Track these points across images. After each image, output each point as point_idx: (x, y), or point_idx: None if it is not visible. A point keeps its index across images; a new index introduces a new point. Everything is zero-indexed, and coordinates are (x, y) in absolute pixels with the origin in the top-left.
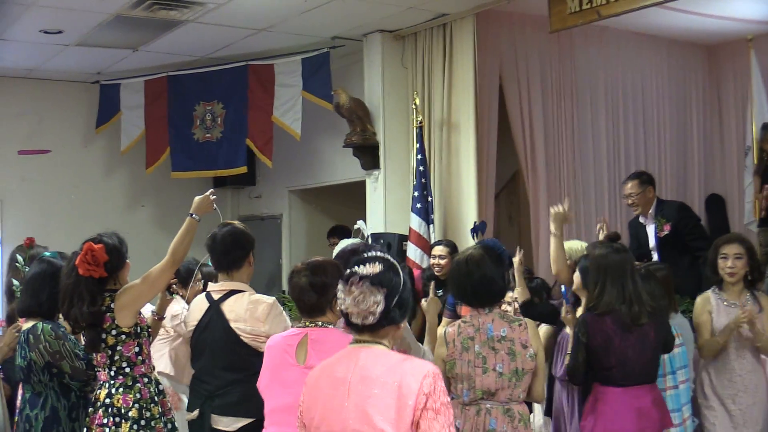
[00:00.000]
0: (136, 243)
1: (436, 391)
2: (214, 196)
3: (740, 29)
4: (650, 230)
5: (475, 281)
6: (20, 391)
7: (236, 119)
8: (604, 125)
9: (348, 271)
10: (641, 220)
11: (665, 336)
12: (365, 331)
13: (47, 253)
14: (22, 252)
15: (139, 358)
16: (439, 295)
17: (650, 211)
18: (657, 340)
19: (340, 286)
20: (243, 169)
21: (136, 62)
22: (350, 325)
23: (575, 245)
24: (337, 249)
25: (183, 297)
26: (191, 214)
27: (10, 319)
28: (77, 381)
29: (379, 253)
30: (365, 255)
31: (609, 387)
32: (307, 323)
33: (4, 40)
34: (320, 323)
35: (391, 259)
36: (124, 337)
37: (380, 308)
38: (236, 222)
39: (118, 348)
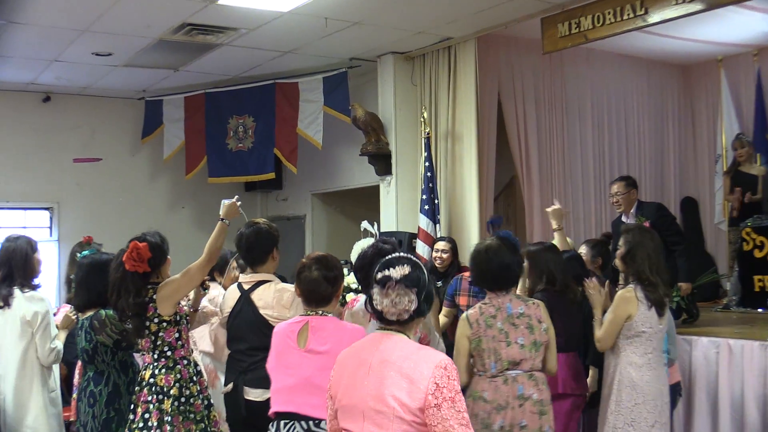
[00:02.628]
0: (177, 241)
1: (450, 380)
2: (240, 202)
3: (711, 51)
4: None
5: (494, 267)
6: (77, 370)
7: (265, 131)
8: (590, 136)
9: (380, 275)
10: (623, 219)
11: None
12: (395, 324)
13: (86, 252)
14: (80, 248)
15: (179, 342)
16: (439, 286)
17: (632, 211)
18: (585, 315)
19: (376, 290)
20: (271, 175)
21: (177, 81)
22: (382, 320)
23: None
24: (355, 251)
25: (220, 283)
26: (222, 219)
27: (69, 303)
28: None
29: (402, 254)
30: (390, 257)
31: (560, 353)
32: (309, 312)
33: (60, 61)
34: (321, 312)
35: (413, 258)
36: (165, 324)
37: (414, 306)
38: (261, 220)
39: (161, 334)
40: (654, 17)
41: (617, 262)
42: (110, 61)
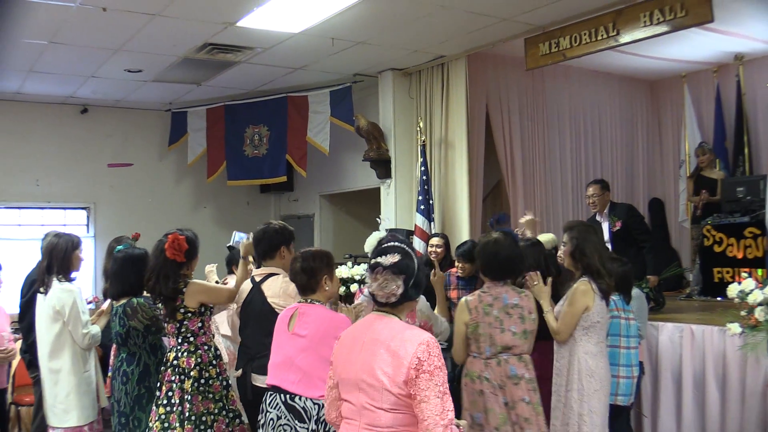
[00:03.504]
0: (199, 237)
1: (431, 356)
2: (250, 240)
3: (676, 68)
4: (605, 226)
5: (502, 259)
6: (113, 352)
7: (278, 139)
8: (568, 143)
9: (373, 261)
10: (597, 218)
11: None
12: (387, 306)
13: (120, 246)
14: (116, 242)
15: (201, 330)
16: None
17: (605, 211)
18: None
19: (368, 274)
20: (283, 178)
21: (200, 94)
22: (376, 302)
23: (549, 237)
24: (369, 242)
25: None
26: (243, 257)
27: (106, 295)
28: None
29: (396, 243)
30: (385, 245)
31: (540, 341)
32: (301, 300)
33: (96, 77)
34: (309, 300)
35: (407, 248)
36: (190, 315)
37: (400, 291)
38: (275, 221)
39: (185, 323)
40: (625, 38)
41: (565, 258)
42: (140, 77)
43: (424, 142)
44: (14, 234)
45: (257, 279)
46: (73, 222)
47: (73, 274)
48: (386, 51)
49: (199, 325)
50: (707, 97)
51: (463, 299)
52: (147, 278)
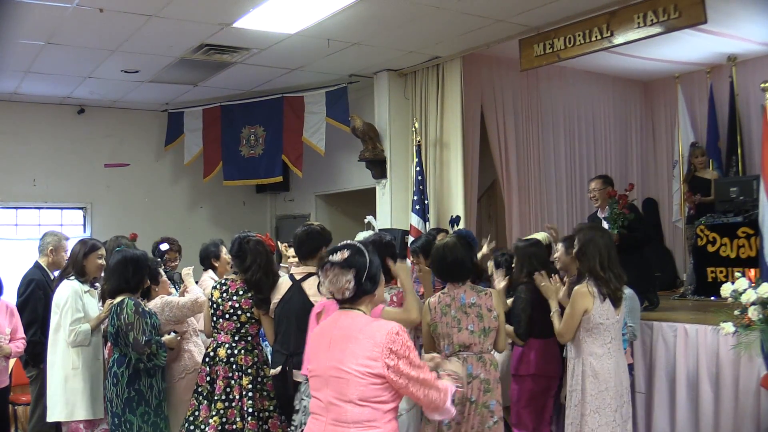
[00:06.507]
0: (195, 237)
1: (402, 343)
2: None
3: (669, 69)
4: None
5: (449, 262)
6: (107, 351)
7: (274, 139)
8: (563, 144)
9: (324, 260)
10: (599, 214)
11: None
12: (346, 302)
13: (122, 247)
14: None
15: (257, 333)
16: None
17: (607, 207)
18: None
19: (319, 272)
20: (279, 179)
21: (196, 95)
22: (336, 300)
23: (543, 235)
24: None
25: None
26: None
27: (101, 295)
28: (135, 352)
29: (348, 241)
30: (337, 245)
31: (539, 339)
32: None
33: (93, 77)
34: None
35: (358, 245)
36: (253, 321)
37: (352, 284)
38: (315, 222)
39: (246, 325)
40: (619, 39)
41: (559, 261)
42: (137, 77)
43: (419, 142)
44: (11, 234)
45: (297, 277)
46: (69, 222)
47: (90, 277)
48: (382, 52)
49: (257, 330)
50: (700, 98)
51: (426, 300)
52: (251, 275)
